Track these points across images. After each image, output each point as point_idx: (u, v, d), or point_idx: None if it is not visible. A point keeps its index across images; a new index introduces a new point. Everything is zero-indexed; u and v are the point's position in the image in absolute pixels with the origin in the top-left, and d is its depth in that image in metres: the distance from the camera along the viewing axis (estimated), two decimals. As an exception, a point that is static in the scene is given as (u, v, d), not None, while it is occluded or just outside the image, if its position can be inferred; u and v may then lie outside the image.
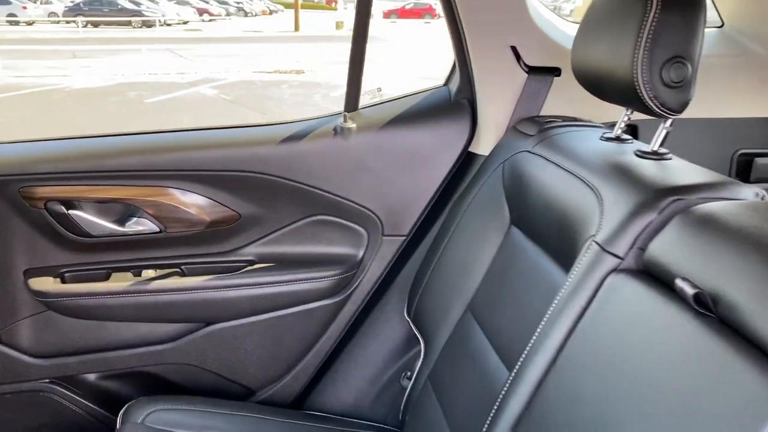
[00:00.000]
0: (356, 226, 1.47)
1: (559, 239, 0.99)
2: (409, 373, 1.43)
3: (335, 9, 30.37)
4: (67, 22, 23.33)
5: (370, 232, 1.47)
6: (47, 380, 1.45)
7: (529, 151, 1.18)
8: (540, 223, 1.06)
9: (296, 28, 20.89)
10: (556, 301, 0.88)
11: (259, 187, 1.40)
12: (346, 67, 1.37)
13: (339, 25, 20.85)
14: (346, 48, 1.44)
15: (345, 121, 1.40)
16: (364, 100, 1.45)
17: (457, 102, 1.43)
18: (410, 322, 1.37)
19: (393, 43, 16.57)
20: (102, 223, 1.38)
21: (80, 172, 1.34)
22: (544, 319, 0.89)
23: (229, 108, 8.61)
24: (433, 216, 1.45)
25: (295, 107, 8.72)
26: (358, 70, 1.37)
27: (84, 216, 1.37)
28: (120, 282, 1.41)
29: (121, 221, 1.39)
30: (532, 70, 1.35)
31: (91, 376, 1.47)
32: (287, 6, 31.85)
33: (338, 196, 1.42)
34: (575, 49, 1.07)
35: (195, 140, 1.40)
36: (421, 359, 1.29)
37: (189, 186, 1.38)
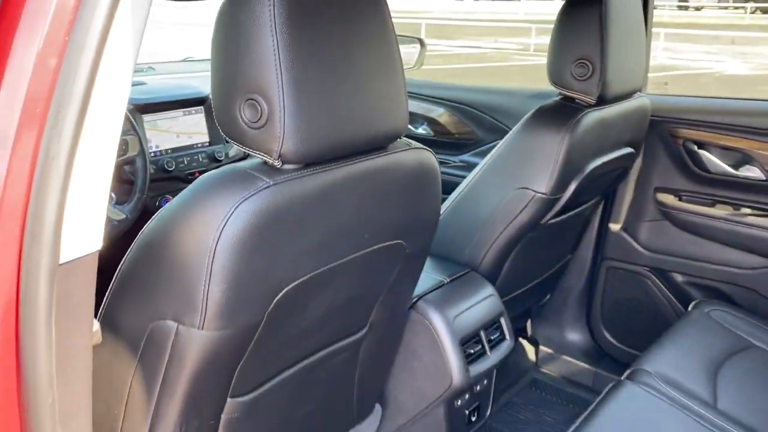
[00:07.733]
0: None
1: None
2: None
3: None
4: (735, 8, 22.64)
5: None
6: (647, 267, 1.98)
7: None
8: None
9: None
10: None
11: None
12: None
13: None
14: None
15: None
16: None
17: None
18: None
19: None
20: (721, 164, 1.81)
21: (715, 123, 1.79)
22: None
23: None
24: None
25: None
26: None
27: (709, 156, 1.81)
28: (722, 211, 1.84)
29: (736, 166, 1.80)
30: None
31: (677, 276, 1.96)
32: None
33: None
34: None
35: None
36: None
37: None
